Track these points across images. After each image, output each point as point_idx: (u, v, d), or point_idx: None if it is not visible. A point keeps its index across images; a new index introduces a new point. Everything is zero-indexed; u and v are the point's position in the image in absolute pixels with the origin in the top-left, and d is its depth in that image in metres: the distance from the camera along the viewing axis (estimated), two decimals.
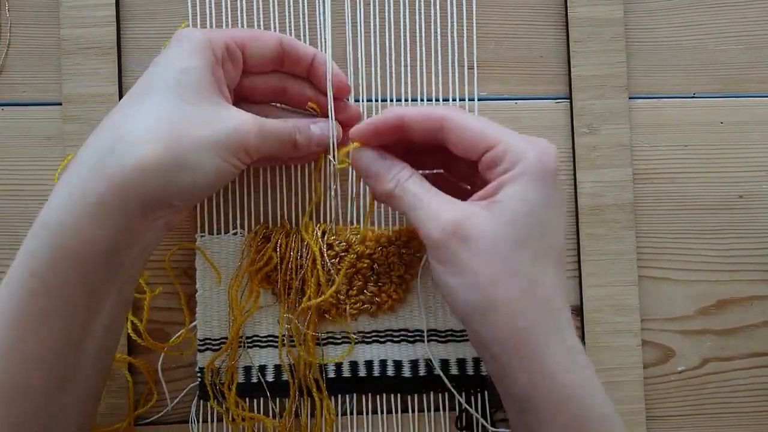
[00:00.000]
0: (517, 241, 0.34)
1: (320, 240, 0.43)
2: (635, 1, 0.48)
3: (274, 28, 0.46)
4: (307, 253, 0.43)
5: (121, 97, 0.46)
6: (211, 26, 0.46)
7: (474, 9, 0.47)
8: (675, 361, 0.47)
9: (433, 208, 0.36)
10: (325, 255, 0.43)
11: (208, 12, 0.46)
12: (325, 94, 0.41)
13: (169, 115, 0.34)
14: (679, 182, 0.48)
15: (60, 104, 0.46)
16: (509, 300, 0.34)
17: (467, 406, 0.45)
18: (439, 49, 0.46)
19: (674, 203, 0.48)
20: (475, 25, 0.47)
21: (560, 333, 0.34)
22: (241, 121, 0.36)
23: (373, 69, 0.46)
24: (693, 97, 0.48)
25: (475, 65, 0.47)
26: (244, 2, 0.46)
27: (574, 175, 0.47)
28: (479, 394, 0.45)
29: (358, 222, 0.46)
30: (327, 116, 0.41)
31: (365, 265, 0.44)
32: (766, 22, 0.48)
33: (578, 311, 0.47)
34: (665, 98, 0.48)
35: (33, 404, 0.34)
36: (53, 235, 0.33)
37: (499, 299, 0.34)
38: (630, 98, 0.48)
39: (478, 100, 0.47)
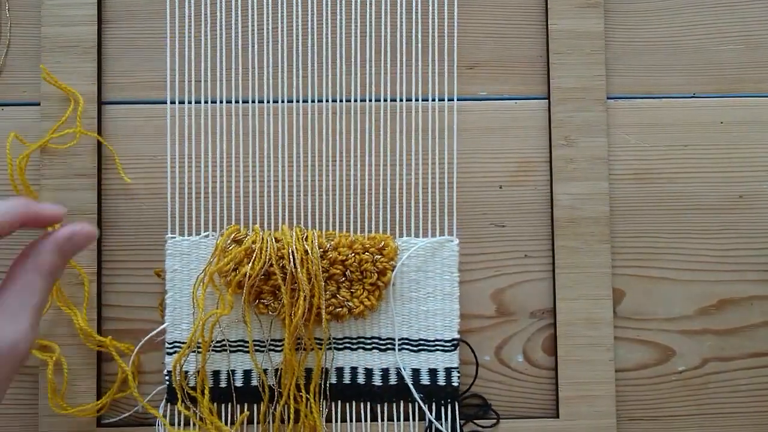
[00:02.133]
0: None
1: (300, 246, 0.43)
2: (635, 0, 0.48)
3: (254, 29, 0.46)
4: (278, 258, 0.43)
5: (100, 96, 0.46)
6: (189, 26, 0.46)
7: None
8: (675, 361, 0.47)
9: None
10: (299, 257, 0.43)
11: (187, 13, 0.46)
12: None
13: None
14: (679, 182, 0.48)
15: None
16: None
17: (434, 421, 0.45)
18: (436, 48, 0.46)
19: (674, 203, 0.48)
20: (456, 24, 0.47)
21: None
22: None
23: (368, 68, 0.46)
24: (693, 97, 0.48)
25: (455, 64, 0.47)
26: (223, 3, 0.46)
27: (551, 186, 0.47)
28: (450, 405, 0.45)
29: (334, 228, 0.46)
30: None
31: (338, 271, 0.44)
32: (765, 22, 0.48)
33: (553, 333, 0.47)
34: (665, 98, 0.48)
35: None
36: None
37: None
38: (629, 98, 0.48)
39: (479, 99, 0.47)
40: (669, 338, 0.47)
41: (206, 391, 0.44)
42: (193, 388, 0.44)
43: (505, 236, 0.47)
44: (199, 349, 0.44)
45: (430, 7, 0.46)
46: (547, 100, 0.47)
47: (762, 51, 0.48)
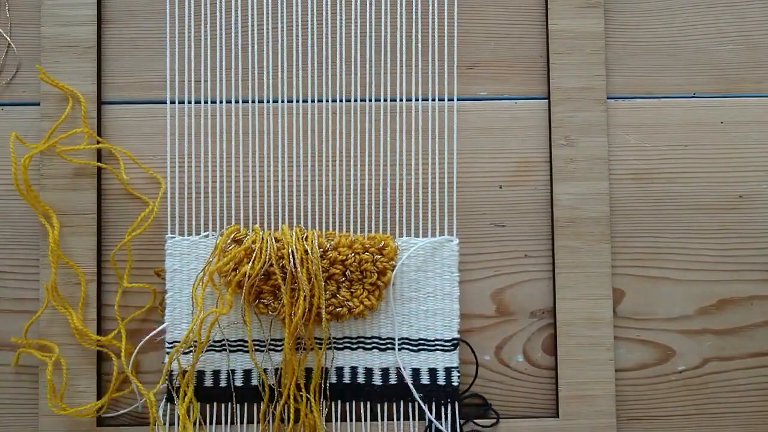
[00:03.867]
0: None
1: (300, 246, 0.43)
2: (635, 0, 0.48)
3: (253, 28, 0.46)
4: (278, 258, 0.43)
5: (99, 96, 0.46)
6: (189, 27, 0.46)
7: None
8: (675, 361, 0.47)
9: None
10: (299, 257, 0.43)
11: (186, 13, 0.46)
12: None
13: None
14: (679, 182, 0.48)
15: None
16: None
17: (434, 420, 0.45)
18: (436, 48, 0.46)
19: (674, 203, 0.48)
20: (456, 24, 0.47)
21: None
22: None
23: (367, 68, 0.46)
24: (693, 97, 0.48)
25: (455, 65, 0.47)
26: (223, 3, 0.46)
27: (551, 186, 0.47)
28: (449, 405, 0.45)
29: (334, 228, 0.46)
30: None
31: (338, 271, 0.44)
32: (765, 22, 0.48)
33: (553, 334, 0.47)
34: (665, 98, 0.48)
35: None
36: None
37: None
38: (629, 98, 0.48)
39: (479, 99, 0.47)
40: (669, 338, 0.47)
41: (189, 390, 0.44)
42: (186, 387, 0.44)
43: (505, 236, 0.47)
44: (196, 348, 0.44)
45: (430, 7, 0.46)
46: (546, 100, 0.47)
47: (762, 51, 0.48)
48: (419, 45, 0.46)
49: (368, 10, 0.46)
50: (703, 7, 0.48)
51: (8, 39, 0.47)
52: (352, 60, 0.46)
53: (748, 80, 0.48)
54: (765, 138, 0.48)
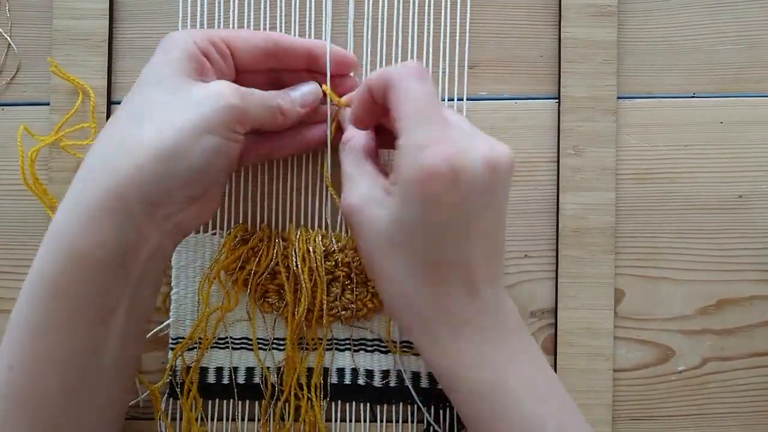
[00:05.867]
0: (392, 242, 0.35)
1: (303, 245, 0.44)
2: (635, 0, 0.48)
3: (266, 29, 0.46)
4: (283, 258, 0.44)
5: (109, 91, 0.47)
6: (202, 26, 0.46)
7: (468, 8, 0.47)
8: (675, 361, 0.47)
9: (347, 186, 0.38)
10: (301, 255, 0.43)
11: (199, 9, 0.46)
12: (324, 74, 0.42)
13: (151, 110, 0.36)
14: (679, 182, 0.48)
15: None
16: (385, 296, 0.37)
17: (432, 422, 0.45)
18: (439, 47, 0.46)
19: (674, 203, 0.48)
20: (468, 24, 0.47)
21: (437, 340, 0.36)
22: (218, 90, 0.36)
23: (373, 69, 0.46)
24: (693, 97, 0.48)
25: (466, 64, 0.47)
26: (236, 2, 0.46)
27: (557, 195, 0.47)
28: (448, 409, 0.45)
29: (339, 230, 0.46)
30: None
31: (343, 273, 0.44)
32: (765, 22, 0.48)
33: (553, 335, 0.47)
34: (665, 98, 0.48)
35: (50, 410, 0.34)
36: (61, 239, 0.34)
37: (382, 291, 0.37)
38: (629, 98, 0.48)
39: (478, 99, 0.47)
40: (669, 338, 0.47)
41: (194, 387, 0.44)
42: (189, 383, 0.44)
43: (505, 236, 0.47)
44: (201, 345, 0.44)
45: (443, 9, 0.46)
46: (551, 101, 0.47)
47: (762, 51, 0.48)
48: (430, 45, 0.46)
49: (380, 11, 0.46)
50: (703, 6, 0.48)
51: (8, 39, 0.47)
52: (362, 62, 0.46)
53: (748, 80, 0.48)
54: (765, 138, 0.48)
